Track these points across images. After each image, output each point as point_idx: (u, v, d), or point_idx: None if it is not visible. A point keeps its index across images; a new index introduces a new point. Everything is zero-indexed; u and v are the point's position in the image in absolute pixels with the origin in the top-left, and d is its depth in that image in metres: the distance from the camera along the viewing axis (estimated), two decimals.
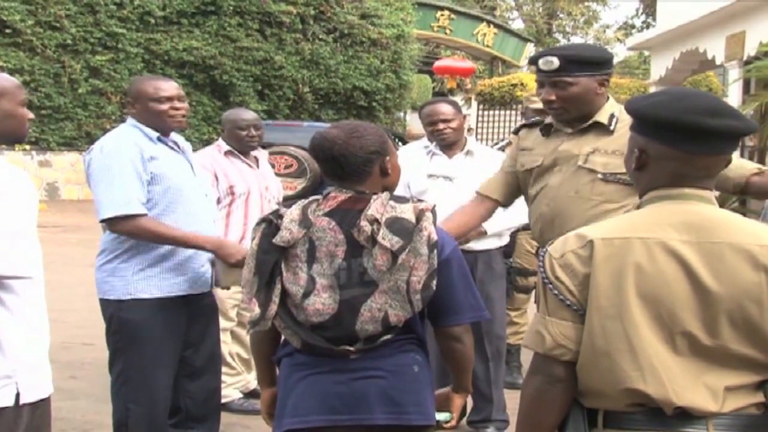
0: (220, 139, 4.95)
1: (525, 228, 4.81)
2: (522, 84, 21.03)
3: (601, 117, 3.30)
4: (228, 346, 4.93)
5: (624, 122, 3.24)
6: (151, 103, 3.56)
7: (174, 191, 3.53)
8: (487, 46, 25.41)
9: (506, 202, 3.62)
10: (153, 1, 17.52)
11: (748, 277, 1.74)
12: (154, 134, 3.57)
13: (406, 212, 2.44)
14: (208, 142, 12.81)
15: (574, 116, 3.30)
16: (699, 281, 1.75)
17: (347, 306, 2.44)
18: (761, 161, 9.35)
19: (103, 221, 3.47)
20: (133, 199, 3.41)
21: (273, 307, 2.46)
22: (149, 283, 3.50)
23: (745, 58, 12.21)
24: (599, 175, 3.22)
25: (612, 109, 3.33)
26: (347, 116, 18.45)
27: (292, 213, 2.48)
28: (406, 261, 2.41)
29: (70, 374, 5.37)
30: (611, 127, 3.26)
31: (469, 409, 4.68)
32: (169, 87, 3.62)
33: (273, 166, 6.05)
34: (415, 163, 4.51)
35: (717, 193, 2.04)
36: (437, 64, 25.13)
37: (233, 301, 4.76)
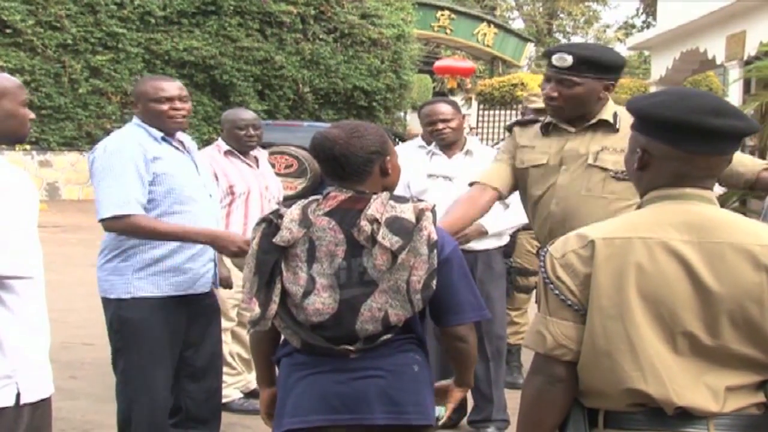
0: (220, 139, 4.95)
1: (525, 228, 4.81)
2: (522, 84, 21.04)
3: (606, 115, 3.30)
4: (228, 346, 4.93)
5: (626, 121, 3.24)
6: (151, 104, 3.57)
7: (177, 192, 3.53)
8: (488, 45, 25.42)
9: (506, 193, 3.55)
10: (153, 1, 17.52)
11: (749, 277, 1.74)
12: (159, 134, 3.58)
13: (406, 212, 2.45)
14: (208, 142, 12.79)
15: (569, 116, 3.30)
16: (700, 281, 1.75)
17: (347, 306, 2.44)
18: None
19: (100, 221, 3.48)
20: (130, 200, 3.41)
21: (273, 307, 2.47)
22: (149, 282, 3.50)
23: (745, 57, 12.22)
24: (611, 173, 3.22)
25: (613, 108, 3.33)
26: (347, 116, 18.44)
27: (292, 213, 2.48)
28: (405, 260, 2.41)
29: (71, 374, 5.37)
30: (616, 126, 3.27)
31: (469, 409, 4.68)
32: (170, 87, 3.62)
33: (273, 166, 6.06)
34: (414, 163, 4.51)
35: (718, 193, 2.05)
36: (438, 64, 25.15)
37: (234, 301, 4.76)
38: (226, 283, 3.98)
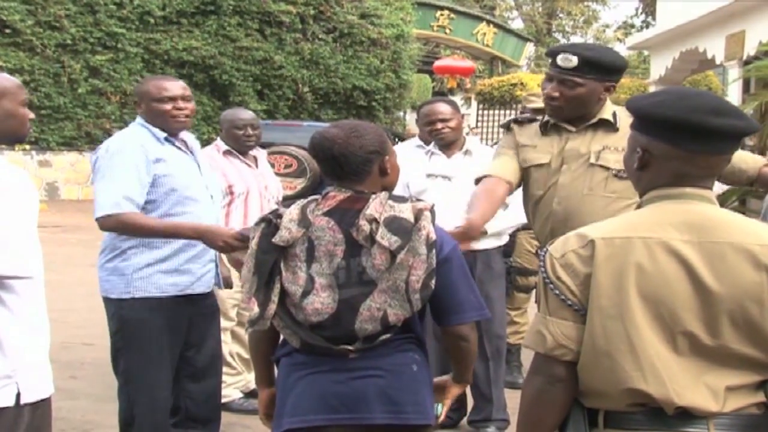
0: (219, 139, 4.95)
1: (525, 227, 4.82)
2: (522, 84, 21.04)
3: (606, 114, 3.30)
4: (228, 346, 4.93)
5: (624, 120, 3.25)
6: (154, 103, 3.56)
7: (179, 193, 3.53)
8: (487, 45, 25.42)
9: (517, 187, 3.51)
10: (153, 1, 17.52)
11: (749, 277, 1.74)
12: (162, 134, 3.57)
13: (405, 212, 2.45)
14: (207, 142, 12.78)
15: (568, 116, 3.30)
16: (700, 281, 1.75)
17: (346, 305, 2.44)
18: None
19: (95, 220, 3.48)
20: (123, 198, 3.39)
21: (272, 307, 2.47)
22: (149, 282, 3.50)
23: (744, 57, 12.21)
24: (613, 172, 3.22)
25: (612, 108, 3.33)
26: (347, 116, 18.44)
27: (291, 212, 2.49)
28: (404, 260, 2.41)
29: (71, 374, 5.37)
30: (616, 125, 3.27)
31: (469, 409, 4.68)
32: (173, 86, 3.61)
33: (273, 166, 6.06)
34: (414, 162, 4.51)
35: (718, 192, 2.06)
36: (437, 63, 25.15)
37: (233, 301, 4.77)
38: (227, 283, 3.98)
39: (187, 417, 3.76)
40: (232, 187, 4.72)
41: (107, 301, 3.56)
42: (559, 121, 3.34)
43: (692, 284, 1.76)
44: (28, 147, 16.27)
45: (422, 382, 2.55)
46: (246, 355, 4.92)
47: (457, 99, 24.32)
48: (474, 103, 24.96)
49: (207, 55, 17.82)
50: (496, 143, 4.56)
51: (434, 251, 2.44)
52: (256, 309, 2.51)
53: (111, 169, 3.46)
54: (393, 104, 20.34)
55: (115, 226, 3.43)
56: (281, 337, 2.57)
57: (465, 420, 4.70)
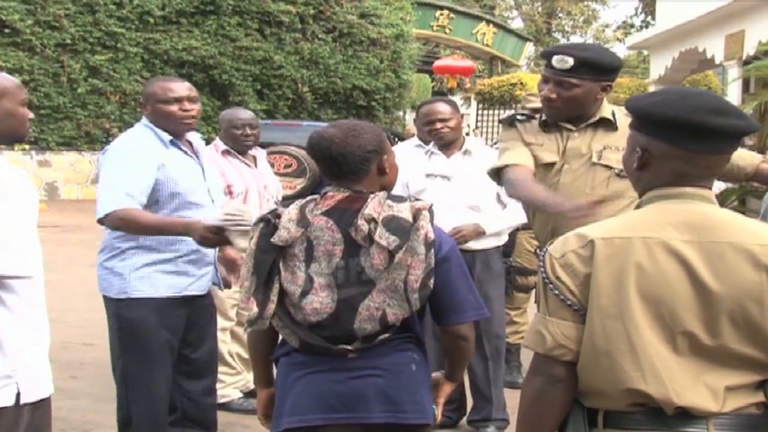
0: (218, 139, 4.95)
1: (525, 227, 4.82)
2: (521, 83, 21.07)
3: (606, 113, 3.30)
4: (228, 346, 4.94)
5: (623, 120, 3.25)
6: (160, 105, 3.55)
7: (181, 197, 3.52)
8: (487, 45, 25.43)
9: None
10: (152, 1, 17.52)
11: (749, 277, 1.74)
12: (167, 137, 3.55)
13: (403, 211, 2.45)
14: (207, 142, 12.78)
15: (566, 117, 3.29)
16: (700, 281, 1.75)
17: (345, 305, 2.44)
18: None
19: (98, 221, 3.47)
20: (122, 196, 3.37)
21: (271, 307, 2.47)
22: (147, 282, 3.50)
23: (744, 57, 12.21)
24: (615, 171, 3.22)
25: (610, 107, 3.33)
26: (347, 116, 18.44)
27: (290, 212, 2.49)
28: (403, 260, 2.41)
29: (70, 374, 5.37)
30: (616, 124, 3.27)
31: (469, 409, 4.68)
32: (179, 88, 3.60)
33: (272, 166, 6.05)
34: (413, 162, 4.51)
35: (718, 191, 2.06)
36: (437, 63, 25.16)
37: (233, 301, 4.77)
38: (226, 283, 3.98)
39: (183, 416, 3.76)
40: (230, 186, 4.71)
41: (107, 299, 3.57)
42: (558, 121, 3.33)
43: (692, 284, 1.75)
44: (27, 147, 16.27)
45: (421, 382, 2.55)
46: (245, 355, 4.92)
47: (457, 99, 24.32)
48: (473, 103, 24.98)
49: (206, 54, 17.82)
50: (495, 143, 4.55)
51: (433, 251, 2.44)
52: (255, 309, 2.51)
53: (115, 170, 3.45)
54: (392, 104, 20.35)
55: (116, 223, 3.41)
56: (280, 336, 2.57)
57: (464, 420, 4.70)
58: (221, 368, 4.87)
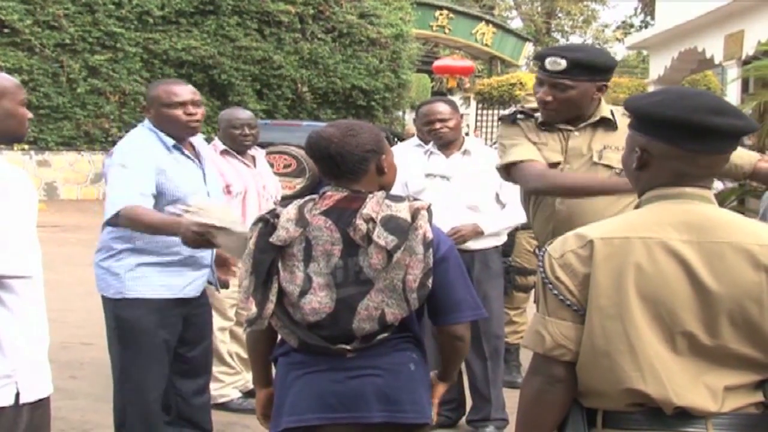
0: (216, 139, 4.95)
1: (524, 227, 4.82)
2: (521, 83, 21.09)
3: (605, 113, 3.29)
4: (227, 346, 4.94)
5: (621, 119, 3.24)
6: (164, 109, 3.53)
7: (181, 203, 3.50)
8: (486, 45, 25.43)
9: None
10: (151, 1, 17.51)
11: (748, 277, 1.74)
12: (170, 141, 3.54)
13: (402, 211, 2.45)
14: (206, 142, 12.79)
15: (564, 118, 3.29)
16: (699, 281, 1.75)
17: (344, 305, 2.44)
18: None
19: (107, 223, 3.44)
20: (130, 194, 3.36)
21: (270, 306, 2.47)
22: (142, 282, 3.49)
23: (743, 57, 12.20)
24: (616, 171, 3.21)
25: (608, 107, 3.33)
26: (346, 115, 18.44)
27: (289, 212, 2.49)
28: (401, 259, 2.42)
29: (70, 374, 5.37)
30: (616, 123, 3.27)
31: (468, 409, 4.69)
32: (183, 91, 3.58)
33: (272, 166, 6.05)
34: (412, 162, 4.51)
35: (717, 190, 2.06)
36: (437, 63, 25.16)
37: (232, 301, 4.77)
38: (222, 284, 3.98)
39: (178, 416, 3.76)
40: (229, 186, 4.71)
41: (104, 299, 3.57)
42: (556, 123, 3.32)
43: (691, 284, 1.75)
44: (26, 147, 16.27)
45: (420, 381, 2.55)
46: (245, 355, 4.92)
47: (456, 99, 24.31)
48: (473, 103, 24.97)
49: (206, 54, 17.81)
50: (495, 143, 4.54)
51: (431, 250, 2.45)
52: (253, 308, 2.51)
53: (125, 170, 3.42)
54: (392, 104, 20.34)
55: (126, 220, 3.35)
56: (279, 336, 2.57)
57: (464, 420, 4.70)
58: (221, 368, 4.88)
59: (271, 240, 2.46)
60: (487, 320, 4.24)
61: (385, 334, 2.47)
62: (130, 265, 3.48)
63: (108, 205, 3.42)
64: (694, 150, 1.80)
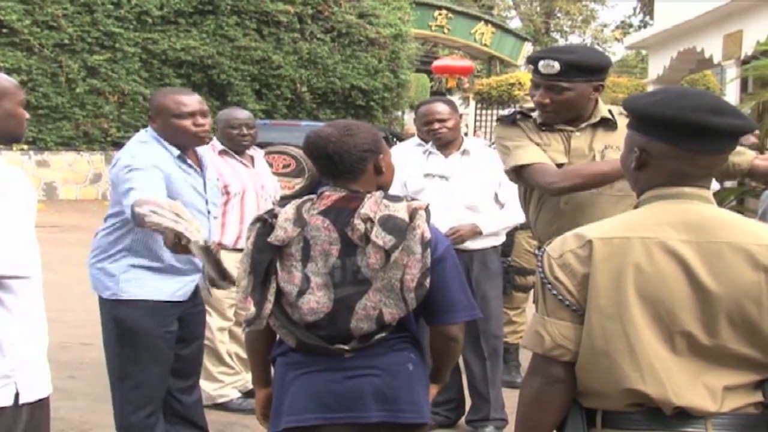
0: (215, 139, 4.95)
1: (524, 227, 4.82)
2: (520, 83, 21.07)
3: (604, 113, 3.29)
4: (226, 346, 4.94)
5: (620, 119, 3.25)
6: (173, 119, 3.48)
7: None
8: (485, 45, 25.42)
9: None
10: (150, 1, 17.49)
11: (747, 277, 1.74)
12: (176, 152, 3.50)
13: (400, 211, 2.45)
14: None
15: (562, 120, 3.29)
16: (698, 281, 1.75)
17: (342, 304, 2.45)
18: None
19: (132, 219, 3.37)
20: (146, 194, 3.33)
21: (268, 306, 2.47)
22: (137, 285, 3.48)
23: (742, 57, 12.21)
24: None
25: (606, 106, 3.33)
26: (345, 115, 18.42)
27: (287, 212, 2.49)
28: (399, 259, 2.42)
29: (69, 374, 5.37)
30: (616, 123, 3.27)
31: (467, 409, 4.69)
32: (191, 102, 3.53)
33: (271, 166, 6.06)
34: (411, 162, 4.51)
35: (716, 189, 2.06)
36: (436, 63, 25.15)
37: (231, 301, 4.77)
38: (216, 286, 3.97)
39: (172, 414, 3.76)
40: (228, 186, 4.71)
41: (101, 299, 3.57)
42: (555, 124, 3.32)
43: (690, 284, 1.76)
44: (25, 147, 16.24)
45: (418, 381, 2.56)
46: (244, 355, 4.92)
47: (455, 99, 24.32)
48: (472, 103, 24.97)
49: (205, 54, 17.79)
50: (493, 143, 4.54)
51: (429, 250, 2.45)
52: (252, 308, 2.51)
53: (135, 176, 3.34)
54: (391, 104, 20.32)
55: (132, 214, 3.23)
56: (277, 336, 2.58)
57: (463, 420, 4.70)
58: (220, 368, 4.88)
59: (269, 240, 2.47)
60: (486, 320, 4.24)
61: (383, 334, 2.47)
62: (125, 267, 3.48)
63: (127, 208, 3.28)
64: (693, 150, 1.80)
